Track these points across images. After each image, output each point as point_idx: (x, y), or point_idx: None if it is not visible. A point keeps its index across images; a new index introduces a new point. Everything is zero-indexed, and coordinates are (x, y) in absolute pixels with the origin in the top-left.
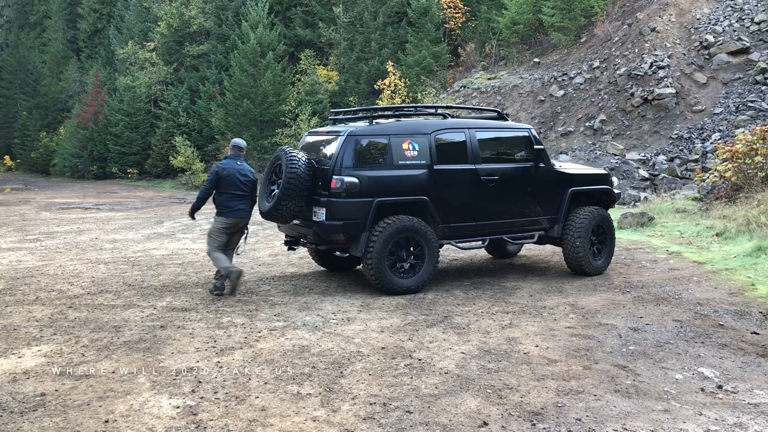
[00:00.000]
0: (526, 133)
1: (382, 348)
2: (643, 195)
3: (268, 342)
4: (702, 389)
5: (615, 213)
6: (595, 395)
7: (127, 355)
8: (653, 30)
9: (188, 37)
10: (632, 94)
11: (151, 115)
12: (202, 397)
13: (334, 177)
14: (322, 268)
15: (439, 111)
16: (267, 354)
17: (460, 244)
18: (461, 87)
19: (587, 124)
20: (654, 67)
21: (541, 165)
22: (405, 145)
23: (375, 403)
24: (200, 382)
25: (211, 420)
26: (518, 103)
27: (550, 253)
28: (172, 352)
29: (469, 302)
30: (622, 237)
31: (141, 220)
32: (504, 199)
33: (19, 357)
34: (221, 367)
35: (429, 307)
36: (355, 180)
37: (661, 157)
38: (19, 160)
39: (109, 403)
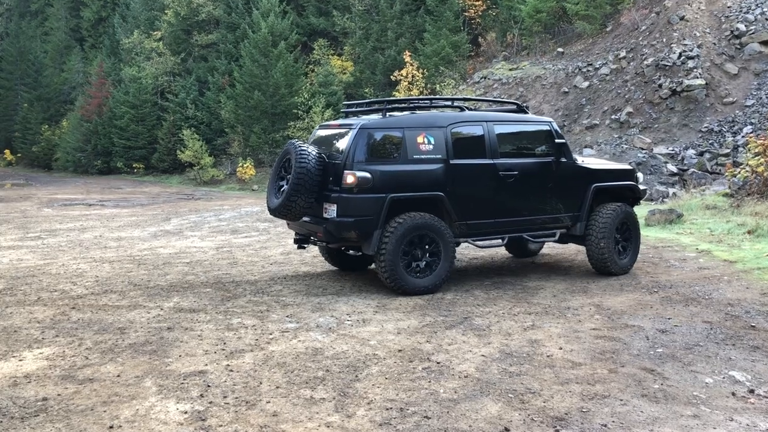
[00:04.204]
0: (547, 127)
1: (399, 350)
2: (671, 191)
3: (279, 344)
4: (733, 393)
5: (642, 210)
6: (621, 400)
7: (133, 358)
8: (682, 18)
9: (196, 25)
10: (660, 86)
11: (158, 107)
12: (210, 402)
13: (346, 172)
14: (335, 268)
15: (456, 103)
16: (279, 357)
17: (478, 242)
18: (481, 78)
19: (613, 116)
20: (683, 57)
21: (563, 160)
22: (420, 139)
23: (391, 408)
24: (209, 386)
25: (221, 426)
26: (541, 95)
27: (574, 251)
28: (180, 355)
29: (489, 303)
30: (649, 235)
31: (147, 217)
32: (524, 195)
33: (20, 360)
34: (231, 370)
35: (448, 307)
36: (368, 175)
37: (691, 152)
38: (19, 155)
39: (113, 408)
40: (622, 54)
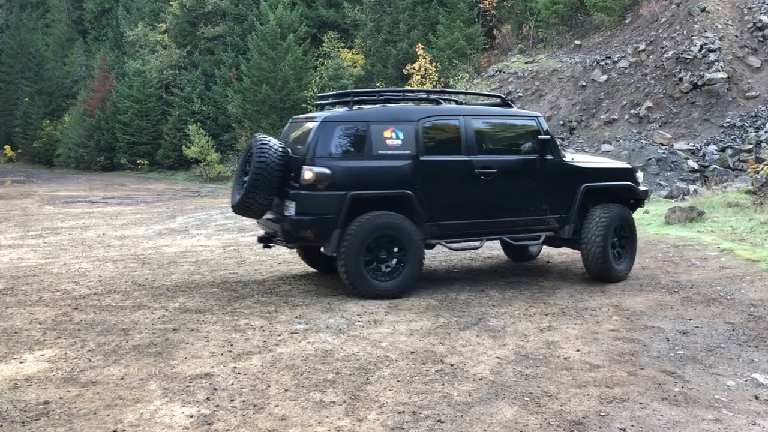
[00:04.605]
0: (532, 122)
1: (412, 352)
2: (692, 188)
3: (288, 346)
4: (756, 397)
5: (662, 207)
6: (640, 403)
7: (137, 360)
8: (703, 10)
9: (203, 17)
10: (681, 79)
11: (163, 101)
12: (217, 406)
13: (304, 167)
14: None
15: (432, 96)
16: (287, 359)
17: (452, 245)
18: (496, 71)
19: (632, 111)
20: (704, 50)
21: (548, 157)
22: (387, 133)
23: (404, 411)
24: (215, 389)
25: (228, 430)
26: (558, 89)
27: None
28: (186, 357)
29: (505, 303)
30: (669, 233)
31: (152, 215)
32: (503, 195)
33: (21, 362)
34: (238, 373)
35: (462, 308)
36: (326, 171)
37: (712, 147)
38: (20, 151)
39: (117, 411)
40: (642, 47)
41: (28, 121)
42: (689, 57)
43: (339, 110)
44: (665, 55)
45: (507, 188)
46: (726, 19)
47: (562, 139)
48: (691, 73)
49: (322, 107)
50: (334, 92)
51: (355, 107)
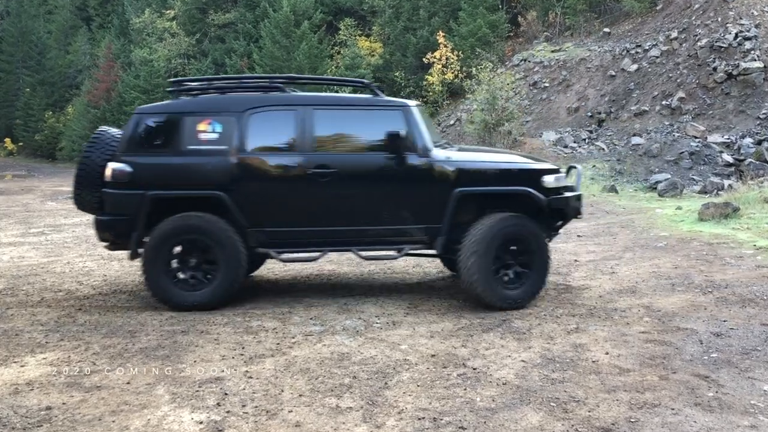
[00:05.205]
0: (396, 113)
1: (432, 356)
2: (726, 183)
3: (303, 349)
4: None
5: (696, 203)
6: (672, 409)
7: (144, 364)
8: None
9: (213, 3)
10: (715, 69)
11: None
12: (228, 411)
13: (109, 163)
14: (366, 263)
15: (276, 83)
16: (302, 362)
17: (283, 256)
18: (521, 60)
19: (664, 102)
20: (739, 38)
21: (410, 155)
22: (202, 126)
23: (424, 417)
24: (226, 394)
25: None
26: (585, 79)
27: (621, 249)
28: (195, 361)
29: (530, 303)
30: (703, 230)
31: None
32: (347, 199)
33: (22, 366)
34: (250, 377)
35: (485, 309)
36: (126, 168)
37: (748, 140)
38: (21, 144)
39: (123, 417)
40: (674, 35)
41: (29, 113)
42: (724, 45)
43: (182, 99)
44: (698, 44)
45: (352, 192)
46: (762, 6)
47: (590, 132)
48: (725, 62)
49: (177, 95)
50: (178, 79)
51: (198, 96)
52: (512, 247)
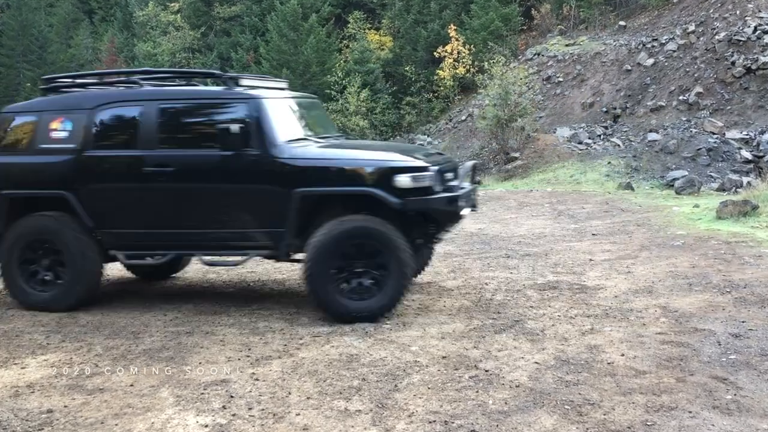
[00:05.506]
0: (243, 107)
1: (443, 357)
2: (745, 180)
3: (310, 350)
4: None
5: (713, 200)
6: (690, 412)
7: (148, 366)
8: None
9: None
10: (733, 63)
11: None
12: (234, 414)
13: None
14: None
15: (134, 78)
16: (309, 364)
17: (127, 260)
18: (535, 55)
19: (681, 97)
20: (758, 31)
21: (250, 152)
22: (55, 125)
23: (435, 421)
24: (232, 396)
25: None
26: (601, 74)
27: (638, 247)
28: (200, 362)
29: (543, 304)
30: (721, 228)
31: None
32: (188, 200)
33: (23, 367)
34: (257, 379)
35: (497, 309)
36: None
37: (767, 136)
38: None
39: (126, 421)
40: (691, 28)
41: None
42: (742, 39)
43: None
44: (716, 37)
45: (191, 192)
46: None
47: (605, 128)
48: (744, 56)
49: (46, 92)
50: (49, 76)
51: (72, 94)
52: (367, 253)
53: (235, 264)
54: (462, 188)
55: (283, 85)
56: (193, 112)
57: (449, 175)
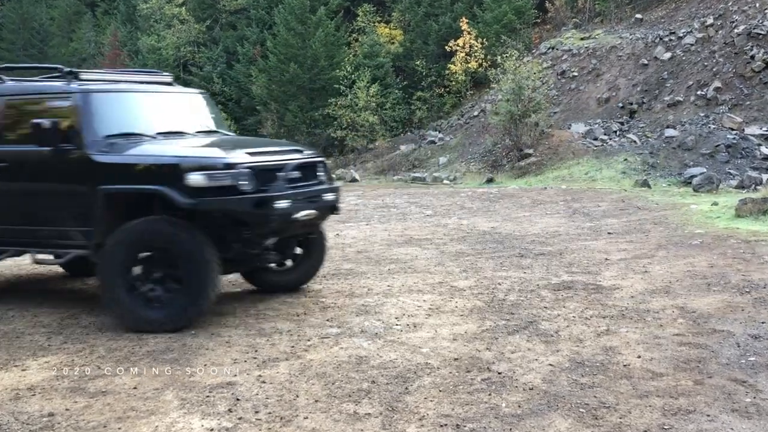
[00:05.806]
0: (67, 102)
1: (455, 359)
2: (765, 177)
3: (319, 352)
4: None
5: (733, 198)
6: (708, 415)
7: (152, 368)
8: None
9: None
10: (752, 57)
11: (181, 81)
12: (240, 418)
13: None
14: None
15: None
16: (318, 366)
17: None
18: (549, 48)
19: (699, 92)
20: None
21: (65, 148)
22: None
23: (446, 424)
24: (238, 399)
25: None
26: (616, 68)
27: (655, 246)
28: (205, 364)
29: (558, 305)
30: (740, 227)
31: None
32: (18, 195)
33: (24, 370)
34: (263, 381)
35: (511, 310)
36: None
37: None
38: None
39: (129, 424)
40: (709, 21)
41: None
42: (762, 32)
43: None
44: (735, 31)
45: (21, 188)
46: None
47: (621, 124)
48: (764, 50)
49: None
50: None
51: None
52: (163, 259)
53: (55, 264)
54: (295, 189)
55: (164, 79)
56: (26, 107)
57: (282, 174)
